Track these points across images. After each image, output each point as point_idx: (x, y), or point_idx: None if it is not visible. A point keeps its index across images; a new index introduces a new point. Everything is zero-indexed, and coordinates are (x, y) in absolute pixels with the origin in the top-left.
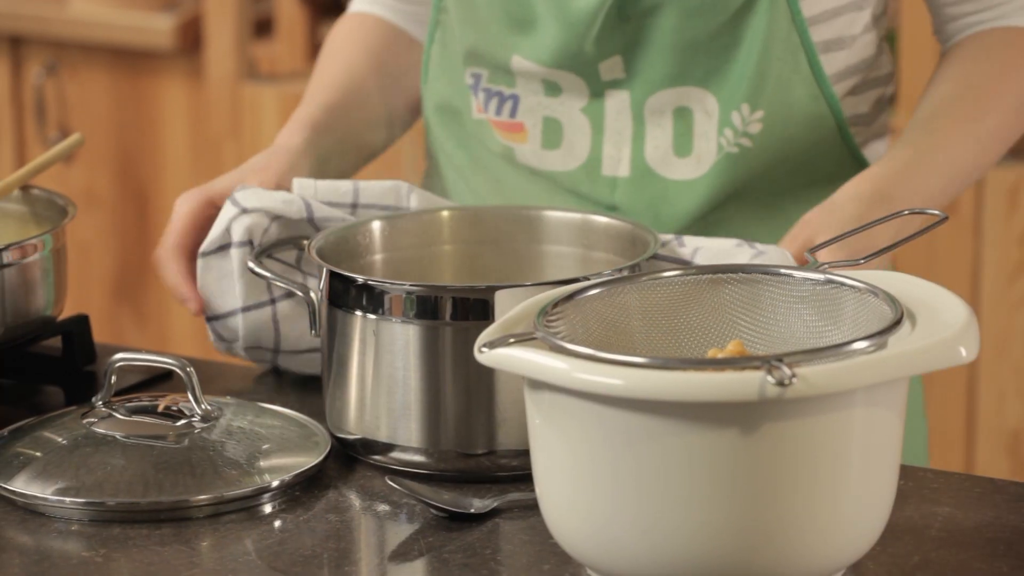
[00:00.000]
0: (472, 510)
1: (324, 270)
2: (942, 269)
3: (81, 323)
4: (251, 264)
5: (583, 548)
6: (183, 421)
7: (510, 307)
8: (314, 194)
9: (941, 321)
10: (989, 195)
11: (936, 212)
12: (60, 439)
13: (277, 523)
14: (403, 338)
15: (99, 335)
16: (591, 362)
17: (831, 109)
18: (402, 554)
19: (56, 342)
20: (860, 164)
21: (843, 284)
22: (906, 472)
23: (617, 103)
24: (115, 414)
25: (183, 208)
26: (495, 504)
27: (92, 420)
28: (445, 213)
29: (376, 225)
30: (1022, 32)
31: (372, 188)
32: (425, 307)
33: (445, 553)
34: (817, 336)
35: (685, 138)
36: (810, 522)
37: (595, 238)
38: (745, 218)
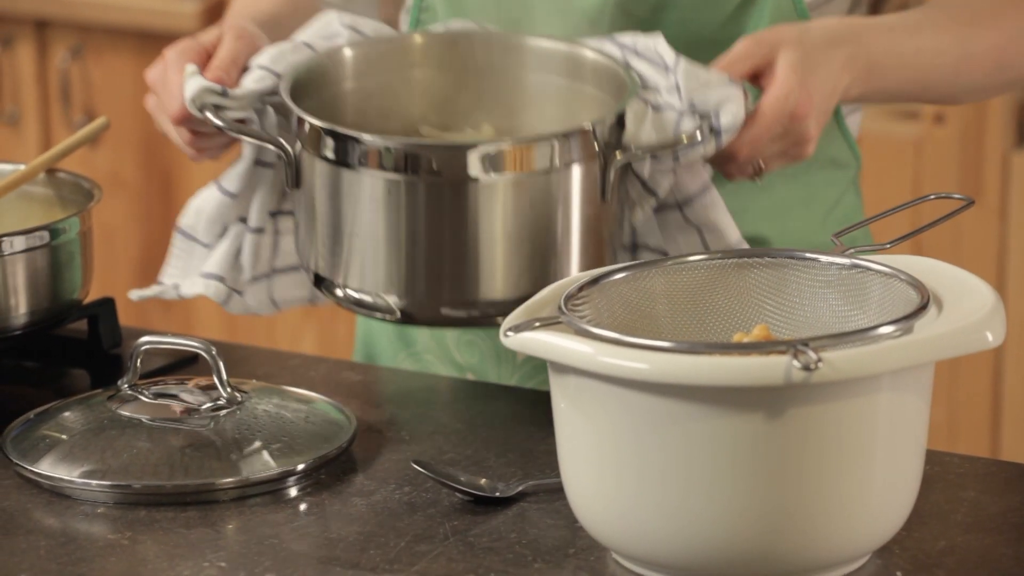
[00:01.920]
0: (497, 493)
1: (294, 116)
2: (968, 254)
3: (107, 306)
4: (211, 116)
5: (608, 532)
6: (208, 404)
7: (488, 161)
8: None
9: (967, 306)
10: (1015, 179)
11: (961, 197)
12: (86, 422)
13: (302, 506)
14: (376, 190)
15: (125, 318)
16: (616, 346)
17: None
18: (427, 537)
19: (82, 325)
20: (840, 126)
21: (869, 268)
22: (932, 457)
23: None
24: (141, 397)
25: (174, 57)
26: (520, 488)
27: (118, 403)
28: (418, 38)
29: (347, 53)
30: None
31: (307, 32)
32: (401, 162)
33: (470, 536)
34: (843, 321)
35: None
36: (836, 507)
37: (581, 71)
38: (741, 200)
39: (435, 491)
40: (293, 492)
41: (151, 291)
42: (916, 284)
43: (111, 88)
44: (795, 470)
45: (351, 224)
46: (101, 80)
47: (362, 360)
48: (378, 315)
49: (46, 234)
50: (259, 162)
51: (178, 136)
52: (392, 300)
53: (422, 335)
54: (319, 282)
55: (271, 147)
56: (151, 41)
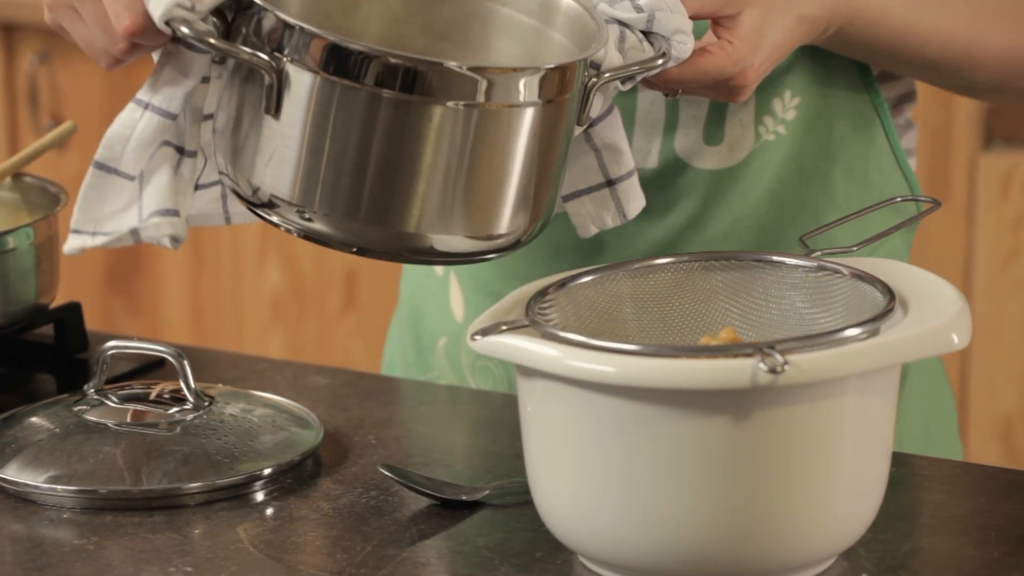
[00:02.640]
0: (464, 497)
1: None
2: (935, 256)
3: (73, 311)
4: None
5: (575, 536)
6: (175, 409)
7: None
8: None
9: (933, 308)
10: (982, 181)
11: (928, 199)
12: (52, 427)
13: (269, 511)
14: (401, 115)
15: (91, 323)
16: (583, 350)
17: (870, 96)
18: (394, 542)
19: (48, 330)
20: (900, 163)
21: (835, 271)
22: (897, 459)
23: (650, 95)
24: (107, 402)
25: None
26: (487, 492)
27: (84, 408)
28: None
29: None
30: None
31: None
32: (438, 85)
33: (437, 540)
34: (809, 323)
35: (715, 125)
36: (802, 509)
37: (555, 17)
38: (774, 218)
39: (402, 495)
40: (260, 497)
41: (96, 240)
42: (882, 286)
43: (78, 92)
44: (762, 473)
45: (354, 150)
46: (68, 84)
47: None
48: (348, 249)
49: (11, 239)
50: (204, 78)
51: (112, 48)
52: (399, 230)
53: (439, 360)
54: (269, 206)
55: (259, 65)
56: None
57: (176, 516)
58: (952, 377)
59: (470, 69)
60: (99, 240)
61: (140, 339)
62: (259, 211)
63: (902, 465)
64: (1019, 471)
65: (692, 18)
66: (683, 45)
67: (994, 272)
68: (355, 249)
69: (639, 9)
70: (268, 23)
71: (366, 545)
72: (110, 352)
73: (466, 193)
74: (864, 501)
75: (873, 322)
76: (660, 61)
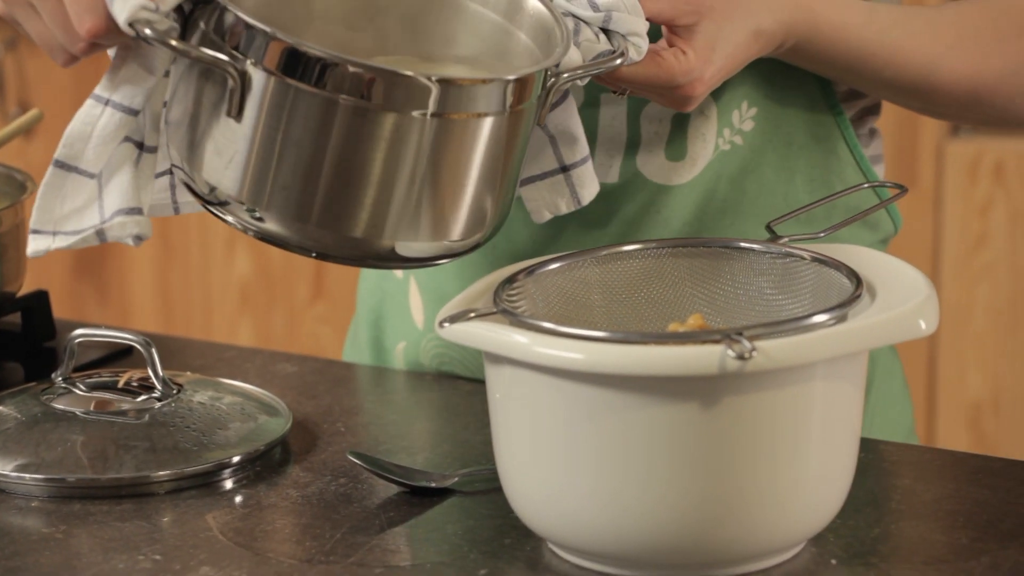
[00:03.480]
0: (433, 484)
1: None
2: (902, 242)
3: (40, 299)
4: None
5: (544, 522)
6: (143, 397)
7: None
8: None
9: (901, 294)
10: (949, 168)
11: (895, 184)
12: (19, 415)
13: (238, 498)
14: (363, 123)
15: (59, 311)
16: (552, 336)
17: (827, 103)
18: (363, 529)
19: (16, 318)
20: (864, 171)
21: (803, 257)
22: (866, 445)
23: (612, 110)
24: (75, 390)
25: None
26: (456, 479)
27: (51, 396)
28: None
29: None
30: None
31: None
32: (404, 95)
33: (406, 528)
34: (777, 309)
35: (678, 141)
36: (771, 495)
37: (520, 16)
38: (742, 221)
39: (371, 482)
40: (228, 484)
41: (58, 242)
42: (849, 272)
43: (45, 80)
44: (730, 459)
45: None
46: (35, 72)
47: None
48: (307, 253)
49: None
50: (165, 73)
51: (71, 47)
52: (344, 235)
53: (398, 363)
54: (224, 204)
55: (224, 68)
56: None
57: (145, 504)
58: (920, 363)
59: (430, 80)
60: (61, 241)
61: (108, 327)
62: (214, 209)
63: (870, 451)
64: (987, 457)
65: (648, 21)
66: (638, 47)
67: (962, 258)
68: (314, 253)
69: (596, 8)
70: (228, 21)
71: (335, 532)
72: (78, 340)
73: (424, 200)
74: (833, 487)
75: (840, 308)
76: (618, 60)
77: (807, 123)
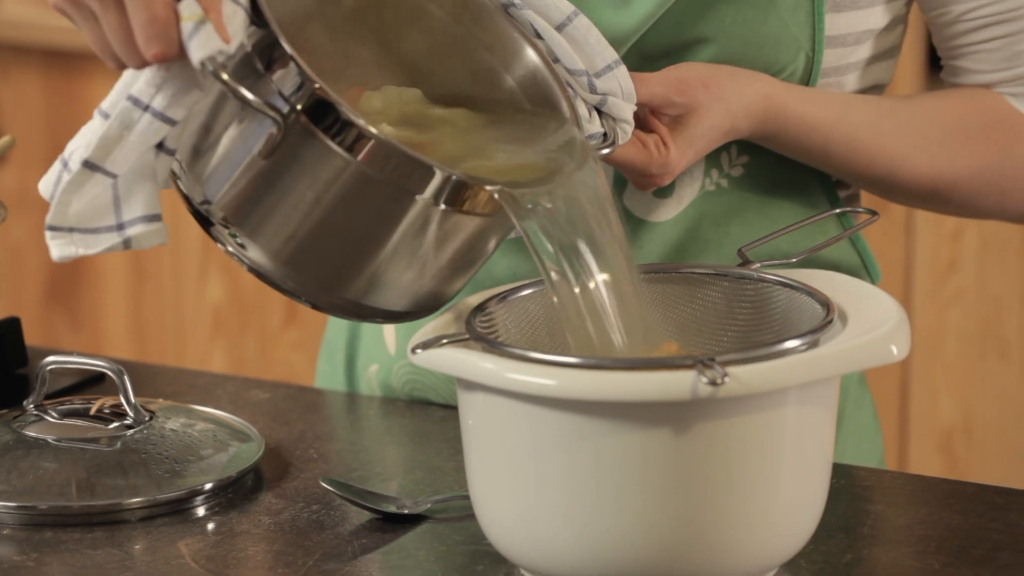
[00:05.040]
0: (405, 511)
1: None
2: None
3: (12, 325)
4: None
5: (516, 549)
6: (115, 424)
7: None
8: None
9: (872, 319)
10: None
11: (866, 210)
12: None
13: (210, 525)
14: (390, 204)
15: (32, 338)
16: (523, 362)
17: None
18: (335, 556)
19: None
20: (836, 204)
21: (775, 282)
22: (838, 470)
23: None
24: (46, 417)
25: None
26: (429, 505)
27: (23, 423)
28: None
29: None
30: (1020, 116)
31: None
32: (442, 190)
33: (378, 555)
34: (749, 335)
35: None
36: (743, 521)
37: (514, 64)
38: (724, 261)
39: (344, 509)
40: (201, 511)
41: (87, 248)
42: (822, 298)
43: (18, 106)
44: (702, 484)
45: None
46: (8, 98)
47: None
48: (287, 294)
49: None
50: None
51: (129, 61)
52: (322, 293)
53: (370, 386)
54: (210, 221)
55: (272, 118)
56: (58, 59)
57: (117, 532)
58: (892, 388)
59: (461, 178)
60: (84, 247)
61: (80, 354)
62: (201, 220)
63: (843, 476)
64: (959, 482)
65: (641, 99)
66: (624, 132)
67: (933, 283)
68: (303, 299)
69: (593, 90)
70: (287, 72)
71: (308, 559)
72: (50, 367)
73: (408, 279)
74: (805, 512)
75: (812, 334)
76: (607, 150)
77: (792, 170)
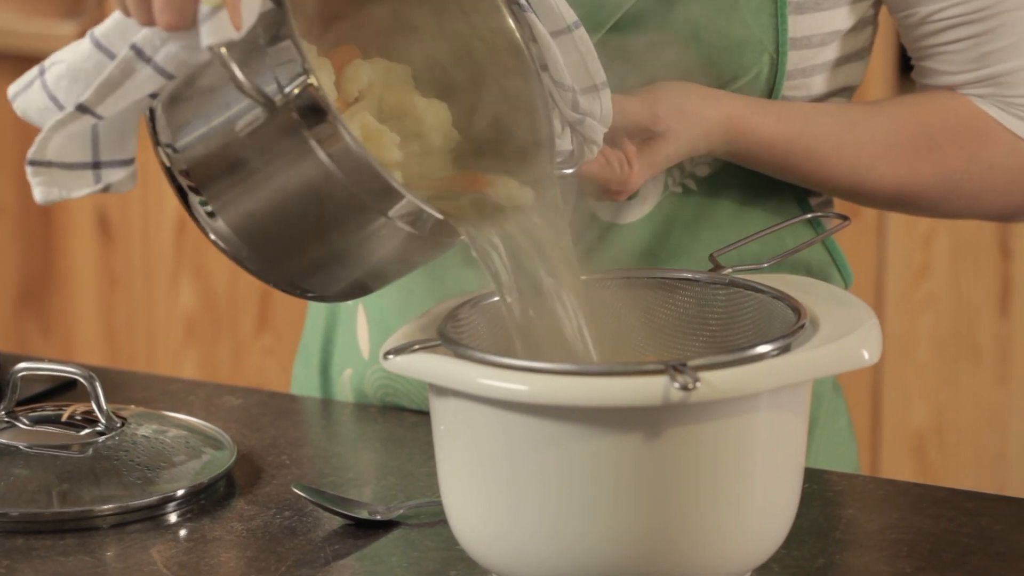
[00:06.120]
0: (378, 516)
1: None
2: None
3: None
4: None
5: (489, 554)
6: (87, 431)
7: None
8: None
9: (844, 324)
10: None
11: (838, 215)
12: None
13: (183, 532)
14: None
15: (2, 344)
16: (496, 368)
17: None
18: (308, 562)
19: None
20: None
21: (746, 288)
22: (810, 475)
23: None
24: (18, 424)
25: None
26: (401, 511)
27: None
28: None
29: None
30: (986, 119)
31: None
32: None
33: (351, 560)
34: (721, 340)
35: None
36: (715, 525)
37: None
38: (696, 266)
39: (316, 515)
40: (173, 518)
41: (78, 191)
42: (793, 303)
43: None
44: (674, 489)
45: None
46: None
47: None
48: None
49: None
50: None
51: (139, 19)
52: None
53: (343, 390)
54: (184, 191)
55: (256, 100)
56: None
57: (89, 538)
58: (864, 393)
59: (434, 215)
60: (66, 189)
61: (51, 360)
62: (176, 182)
63: (815, 481)
64: (930, 486)
65: (615, 121)
66: (591, 153)
67: (905, 288)
68: (237, 262)
69: (575, 108)
70: (287, 55)
71: (280, 566)
72: (21, 374)
73: (347, 272)
74: (777, 517)
75: (784, 339)
76: (571, 170)
77: (763, 175)
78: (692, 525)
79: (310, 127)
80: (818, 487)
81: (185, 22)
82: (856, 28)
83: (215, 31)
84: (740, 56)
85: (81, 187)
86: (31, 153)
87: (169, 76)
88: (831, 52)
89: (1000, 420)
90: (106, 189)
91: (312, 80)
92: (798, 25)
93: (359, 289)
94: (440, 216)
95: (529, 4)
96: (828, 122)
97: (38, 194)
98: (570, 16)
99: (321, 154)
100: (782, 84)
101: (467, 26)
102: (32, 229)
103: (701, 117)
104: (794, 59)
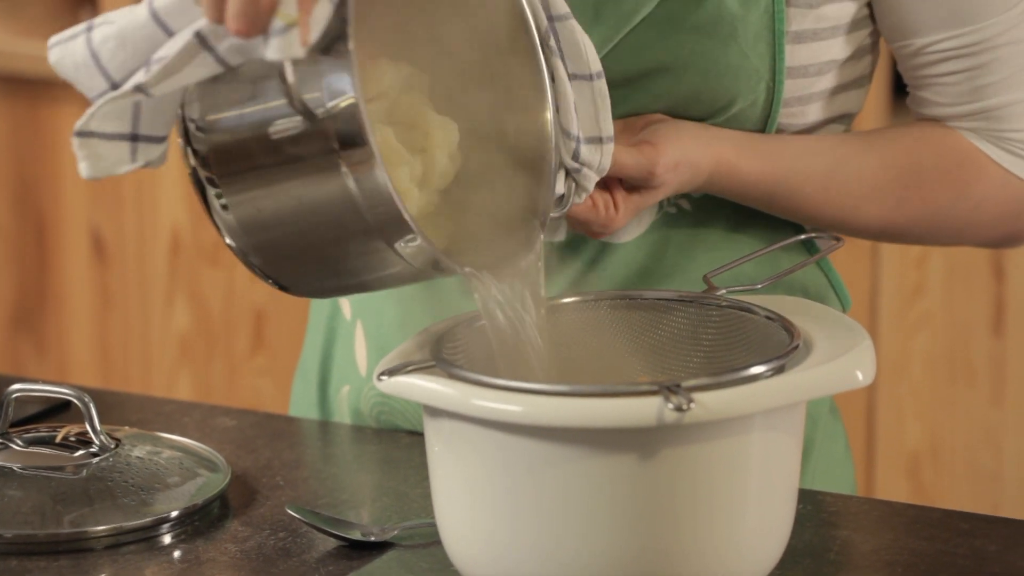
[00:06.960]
0: (372, 538)
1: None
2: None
3: None
4: None
5: (484, 575)
6: (81, 452)
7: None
8: None
9: (838, 345)
10: None
11: (832, 236)
12: None
13: (176, 553)
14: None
15: None
16: (490, 389)
17: None
18: None
19: None
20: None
21: (741, 309)
22: (804, 496)
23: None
24: (12, 445)
25: None
26: (395, 532)
27: None
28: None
29: None
30: (977, 154)
31: None
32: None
33: None
34: (715, 361)
35: None
36: (709, 546)
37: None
38: (690, 287)
39: (310, 536)
40: (167, 539)
41: (120, 167)
42: (787, 324)
43: None
44: (669, 510)
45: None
46: None
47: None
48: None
49: None
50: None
51: (210, 16)
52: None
53: (341, 407)
54: (201, 181)
55: (298, 112)
56: (21, 86)
57: (83, 560)
58: (859, 413)
59: (440, 259)
60: (113, 168)
61: (45, 381)
62: (193, 165)
63: (809, 502)
64: (925, 507)
65: (610, 172)
66: (579, 199)
67: (899, 308)
68: (238, 254)
69: (576, 157)
70: (338, 69)
71: None
72: (15, 395)
73: (333, 283)
74: (771, 538)
75: (778, 360)
76: (558, 214)
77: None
78: (686, 545)
79: (344, 147)
80: (812, 508)
81: (255, 33)
82: (854, 57)
83: (284, 47)
84: (736, 84)
85: (122, 162)
86: (79, 125)
87: (228, 66)
88: (828, 81)
89: (994, 440)
90: (146, 165)
91: (359, 104)
92: (795, 54)
93: (339, 293)
94: (447, 261)
95: (559, 47)
96: (817, 162)
97: (84, 169)
98: (595, 65)
99: (348, 178)
100: (778, 112)
101: (502, 66)
102: (26, 249)
103: (692, 164)
104: (791, 87)
